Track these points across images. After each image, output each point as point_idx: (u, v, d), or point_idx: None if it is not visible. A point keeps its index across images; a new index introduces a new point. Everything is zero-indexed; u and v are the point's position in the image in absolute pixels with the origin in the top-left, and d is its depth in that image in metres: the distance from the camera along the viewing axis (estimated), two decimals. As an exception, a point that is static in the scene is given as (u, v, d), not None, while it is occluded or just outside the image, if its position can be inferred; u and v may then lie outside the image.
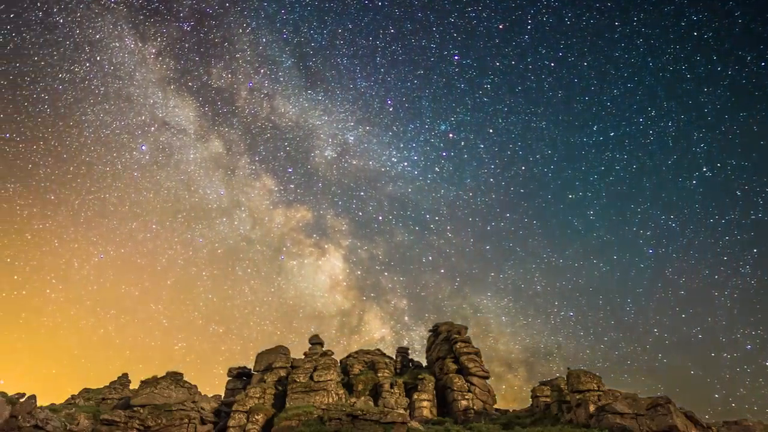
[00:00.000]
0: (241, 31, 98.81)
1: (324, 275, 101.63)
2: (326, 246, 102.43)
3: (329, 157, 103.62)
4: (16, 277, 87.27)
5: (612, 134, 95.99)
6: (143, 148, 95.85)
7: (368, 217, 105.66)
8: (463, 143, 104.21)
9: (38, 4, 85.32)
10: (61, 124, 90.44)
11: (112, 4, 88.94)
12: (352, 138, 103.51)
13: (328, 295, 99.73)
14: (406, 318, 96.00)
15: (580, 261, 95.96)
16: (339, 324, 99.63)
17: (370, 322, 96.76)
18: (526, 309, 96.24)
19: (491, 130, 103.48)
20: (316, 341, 40.00)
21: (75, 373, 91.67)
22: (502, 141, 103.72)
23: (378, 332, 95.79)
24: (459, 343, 38.56)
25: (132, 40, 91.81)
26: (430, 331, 45.26)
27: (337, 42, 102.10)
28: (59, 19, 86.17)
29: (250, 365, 41.25)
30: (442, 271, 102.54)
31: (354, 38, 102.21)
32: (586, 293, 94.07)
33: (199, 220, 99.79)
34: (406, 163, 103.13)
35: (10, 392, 26.95)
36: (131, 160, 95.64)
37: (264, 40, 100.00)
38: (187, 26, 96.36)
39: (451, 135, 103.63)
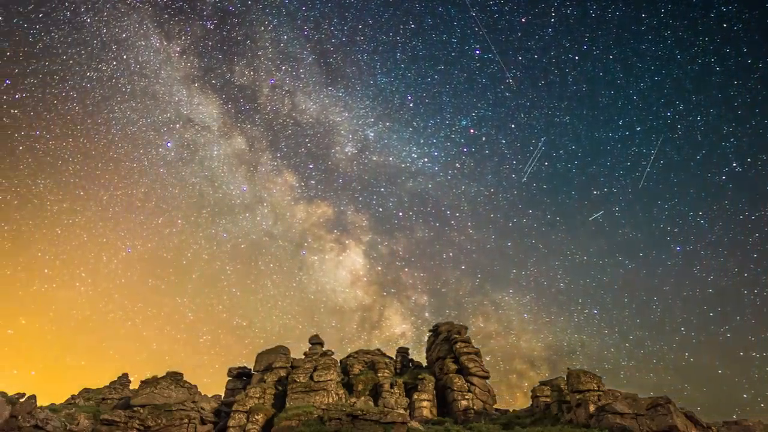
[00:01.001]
0: (262, 28, 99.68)
1: (345, 270, 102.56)
2: (347, 242, 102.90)
3: (349, 154, 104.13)
4: (46, 271, 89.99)
5: (638, 129, 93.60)
6: (169, 144, 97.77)
7: (388, 213, 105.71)
8: (484, 139, 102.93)
9: (66, 4, 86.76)
10: (89, 121, 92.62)
11: (138, 3, 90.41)
12: (372, 134, 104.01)
13: (349, 290, 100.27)
14: (427, 314, 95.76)
15: (605, 258, 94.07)
16: (360, 319, 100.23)
17: (390, 317, 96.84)
18: (549, 306, 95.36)
19: (513, 126, 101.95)
20: (316, 341, 40.01)
21: (104, 365, 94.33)
22: (524, 136, 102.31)
23: (398, 328, 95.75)
24: (459, 343, 38.56)
25: (157, 39, 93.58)
26: (430, 331, 45.29)
27: (358, 38, 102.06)
28: (86, 19, 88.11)
29: (251, 365, 41.29)
30: (463, 267, 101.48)
31: (374, 34, 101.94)
32: (611, 291, 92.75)
33: (222, 216, 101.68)
34: (426, 159, 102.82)
35: (11, 392, 26.97)
36: (157, 156, 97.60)
37: (285, 37, 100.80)
38: (211, 24, 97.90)
39: (472, 131, 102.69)
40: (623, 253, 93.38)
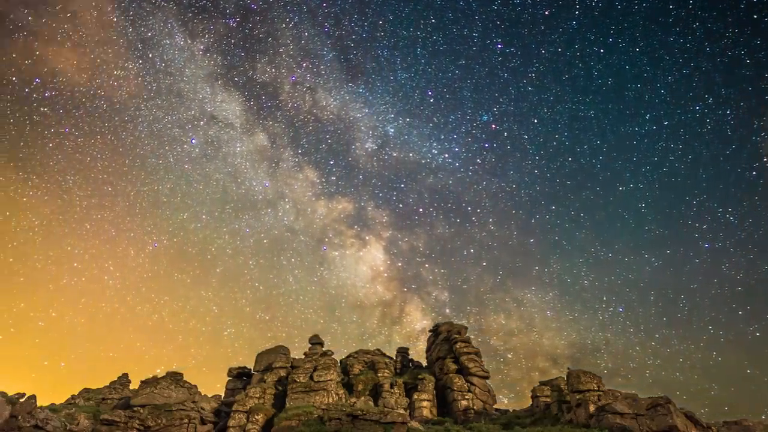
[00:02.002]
0: (284, 25, 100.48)
1: (365, 266, 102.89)
2: (367, 237, 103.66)
3: (370, 150, 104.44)
4: (76, 265, 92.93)
5: (666, 123, 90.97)
6: (193, 141, 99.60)
7: (409, 209, 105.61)
8: (506, 134, 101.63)
9: (93, 3, 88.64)
10: (116, 119, 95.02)
11: (162, 2, 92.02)
12: (392, 130, 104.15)
13: (370, 285, 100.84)
14: (448, 310, 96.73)
15: (631, 255, 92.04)
16: (380, 314, 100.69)
17: (411, 313, 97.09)
18: (573, 304, 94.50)
19: (536, 121, 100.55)
20: (316, 341, 40.00)
21: (130, 357, 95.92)
22: (547, 131, 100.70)
23: (419, 324, 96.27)
24: (459, 343, 38.56)
25: (181, 37, 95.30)
26: (430, 331, 45.27)
27: (378, 34, 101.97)
28: (113, 18, 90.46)
29: (252, 365, 41.28)
30: (484, 263, 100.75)
31: (394, 29, 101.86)
32: (637, 288, 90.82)
33: (245, 211, 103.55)
34: (446, 155, 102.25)
35: (11, 392, 26.97)
36: (182, 153, 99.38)
37: (306, 33, 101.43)
38: (233, 22, 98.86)
39: (493, 126, 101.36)
40: (650, 250, 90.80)
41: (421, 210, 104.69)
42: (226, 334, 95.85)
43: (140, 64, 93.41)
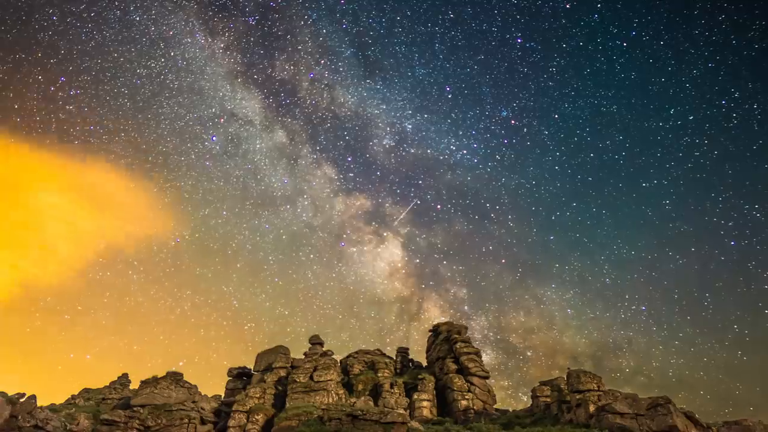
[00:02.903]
0: (302, 23, 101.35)
1: (383, 262, 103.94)
2: (385, 234, 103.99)
3: (387, 146, 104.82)
4: (101, 260, 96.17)
5: (691, 118, 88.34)
6: (214, 138, 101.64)
7: (426, 205, 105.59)
8: (525, 130, 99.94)
9: (116, 3, 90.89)
10: (139, 116, 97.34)
11: (184, 1, 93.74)
12: (410, 126, 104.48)
13: (388, 282, 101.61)
14: (466, 307, 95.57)
15: (654, 253, 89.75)
16: (398, 311, 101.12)
17: (429, 309, 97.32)
18: (594, 302, 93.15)
19: (557, 116, 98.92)
20: (316, 341, 40.00)
21: (156, 350, 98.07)
22: (568, 127, 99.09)
23: (437, 320, 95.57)
24: (459, 343, 38.55)
25: (202, 36, 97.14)
26: (430, 331, 45.25)
27: (396, 30, 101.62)
28: (136, 17, 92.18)
29: (252, 365, 41.29)
30: (503, 261, 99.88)
31: (412, 25, 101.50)
32: (660, 287, 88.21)
33: (265, 207, 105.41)
34: (465, 151, 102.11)
35: (11, 392, 26.97)
36: (203, 150, 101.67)
37: (324, 30, 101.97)
38: (252, 20, 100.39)
39: (513, 121, 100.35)
40: (674, 248, 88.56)
41: (439, 207, 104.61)
42: (247, 328, 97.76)
43: (162, 62, 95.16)
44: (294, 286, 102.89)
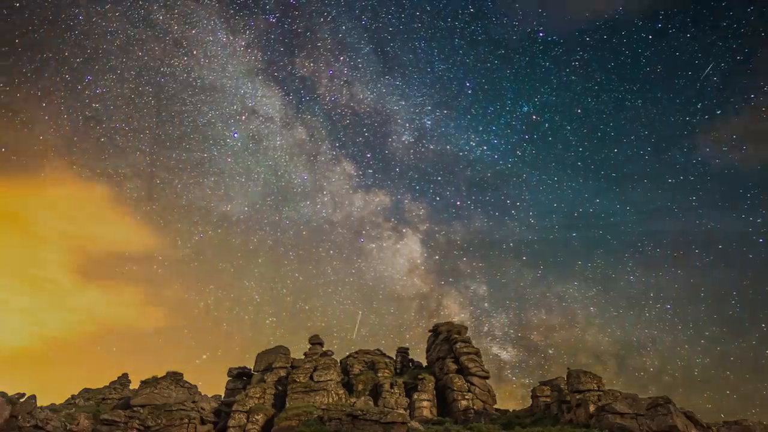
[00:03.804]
0: (321, 19, 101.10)
1: (402, 258, 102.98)
2: (404, 230, 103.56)
3: (406, 142, 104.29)
4: (127, 254, 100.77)
5: (719, 113, 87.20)
6: (235, 135, 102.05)
7: (446, 201, 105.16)
8: (547, 125, 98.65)
9: (140, 2, 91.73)
10: (164, 114, 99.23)
11: (206, 0, 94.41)
12: (429, 122, 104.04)
13: (407, 278, 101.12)
14: (486, 304, 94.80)
15: (680, 250, 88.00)
16: (417, 307, 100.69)
17: (448, 306, 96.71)
18: (617, 300, 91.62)
19: (579, 111, 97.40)
20: (316, 341, 39.99)
21: (177, 342, 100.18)
22: (591, 122, 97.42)
23: (457, 317, 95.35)
24: (459, 344, 38.54)
25: (224, 34, 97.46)
26: (430, 331, 45.24)
27: (415, 25, 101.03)
28: (159, 17, 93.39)
29: (252, 365, 41.28)
30: (524, 258, 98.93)
31: (432, 20, 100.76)
32: (686, 285, 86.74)
33: (285, 204, 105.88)
34: (485, 147, 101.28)
35: (11, 392, 26.97)
36: (225, 147, 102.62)
37: (343, 27, 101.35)
38: (273, 18, 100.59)
39: (534, 117, 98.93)
40: (700, 245, 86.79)
41: (458, 203, 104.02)
42: (268, 322, 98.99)
43: (185, 60, 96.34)
44: (314, 281, 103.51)
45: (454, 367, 37.14)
